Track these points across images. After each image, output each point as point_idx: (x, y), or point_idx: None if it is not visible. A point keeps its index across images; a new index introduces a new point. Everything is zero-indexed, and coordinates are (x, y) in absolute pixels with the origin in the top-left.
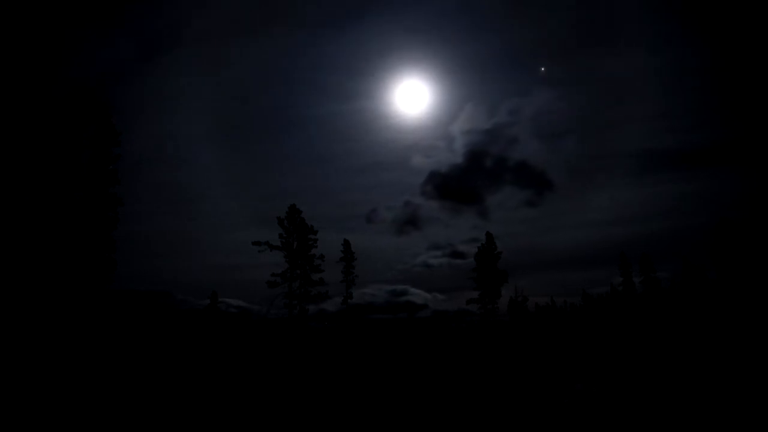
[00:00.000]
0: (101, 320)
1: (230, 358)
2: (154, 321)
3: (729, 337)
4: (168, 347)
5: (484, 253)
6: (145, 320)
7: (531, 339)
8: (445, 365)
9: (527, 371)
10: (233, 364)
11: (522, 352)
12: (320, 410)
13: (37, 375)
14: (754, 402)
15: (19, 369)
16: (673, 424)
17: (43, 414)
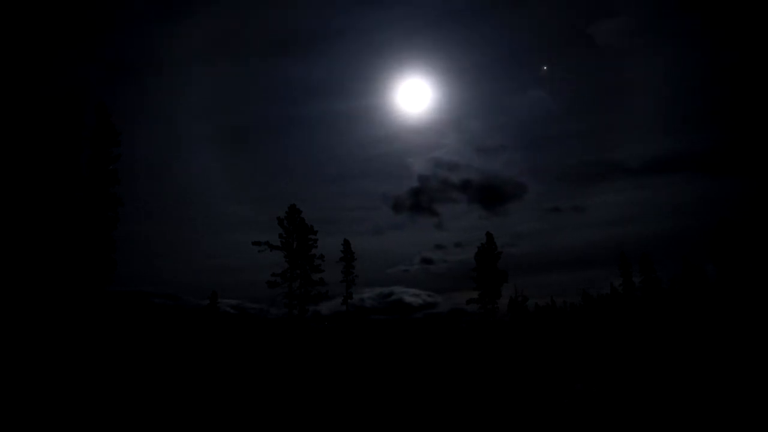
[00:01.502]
0: (103, 320)
1: (234, 357)
2: (157, 321)
3: (729, 337)
4: (170, 346)
5: (484, 253)
6: (149, 320)
7: (531, 339)
8: (445, 365)
9: (527, 371)
10: (236, 364)
11: (522, 352)
12: (323, 409)
13: (39, 374)
14: (753, 401)
15: (20, 368)
16: (673, 424)
17: (43, 412)
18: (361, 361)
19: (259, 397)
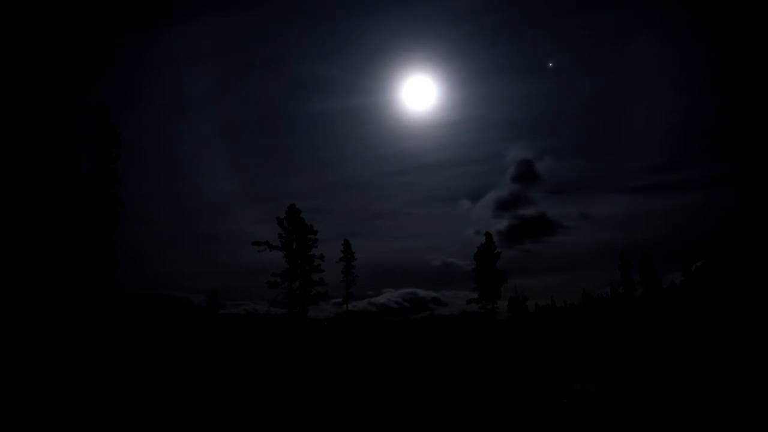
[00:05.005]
0: (103, 321)
1: (233, 358)
2: (156, 322)
3: (729, 337)
4: (169, 347)
5: (484, 253)
6: (148, 321)
7: (531, 339)
8: (444, 365)
9: (527, 371)
10: (236, 365)
11: (522, 352)
12: (322, 409)
13: (39, 374)
14: (753, 402)
15: (21, 368)
16: (672, 424)
17: (45, 415)
18: (361, 362)
19: (259, 397)
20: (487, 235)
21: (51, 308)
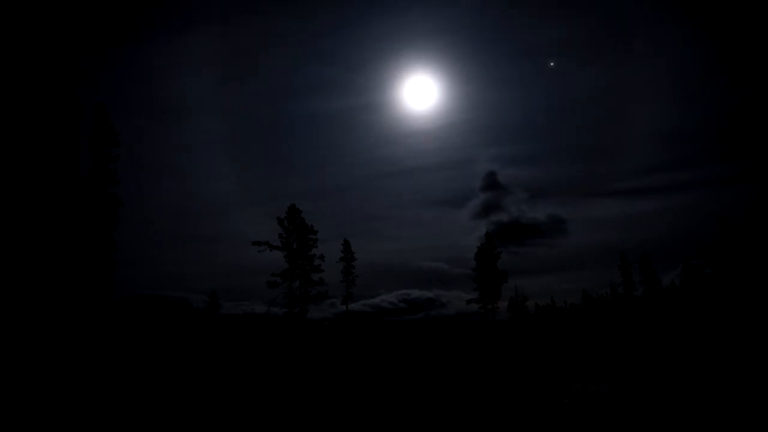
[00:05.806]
0: (104, 321)
1: (234, 358)
2: (156, 322)
3: (729, 336)
4: (168, 347)
5: (484, 253)
6: (148, 321)
7: (531, 339)
8: (444, 365)
9: (527, 371)
10: (237, 365)
11: (522, 352)
12: (321, 408)
13: (39, 375)
14: (753, 401)
15: (21, 368)
16: (672, 423)
17: (47, 416)
18: (362, 362)
19: (259, 397)
20: (488, 235)
21: (51, 308)
